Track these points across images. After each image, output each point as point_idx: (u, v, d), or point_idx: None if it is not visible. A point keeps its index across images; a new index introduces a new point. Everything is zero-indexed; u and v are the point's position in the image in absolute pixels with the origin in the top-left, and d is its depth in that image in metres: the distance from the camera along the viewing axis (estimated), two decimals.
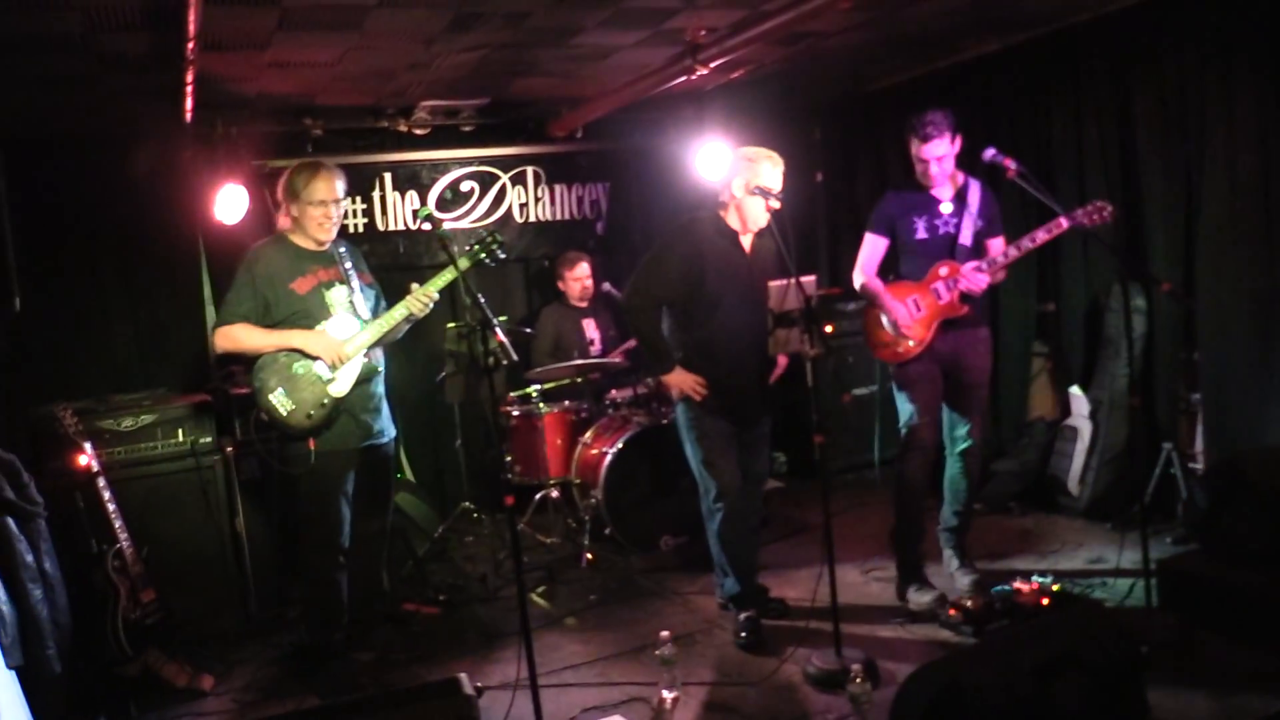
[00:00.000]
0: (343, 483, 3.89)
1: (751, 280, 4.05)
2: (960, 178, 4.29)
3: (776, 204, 3.94)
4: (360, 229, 5.90)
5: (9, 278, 1.55)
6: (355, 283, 3.96)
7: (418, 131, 5.96)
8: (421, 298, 3.88)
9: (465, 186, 6.14)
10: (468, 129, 6.10)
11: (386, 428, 4.05)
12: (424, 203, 6.02)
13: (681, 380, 4.07)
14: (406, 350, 6.08)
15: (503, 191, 6.24)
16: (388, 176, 5.93)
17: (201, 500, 4.54)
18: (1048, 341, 5.73)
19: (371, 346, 3.90)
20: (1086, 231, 4.02)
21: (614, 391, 5.71)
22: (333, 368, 3.80)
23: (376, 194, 5.92)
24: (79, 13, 3.44)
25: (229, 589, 4.59)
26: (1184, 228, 4.72)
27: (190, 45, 3.60)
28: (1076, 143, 5.21)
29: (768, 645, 3.97)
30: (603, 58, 4.86)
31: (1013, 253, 4.16)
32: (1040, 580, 4.05)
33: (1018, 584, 4.04)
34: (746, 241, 4.13)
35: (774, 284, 3.83)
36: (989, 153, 4.07)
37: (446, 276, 3.89)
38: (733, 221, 4.09)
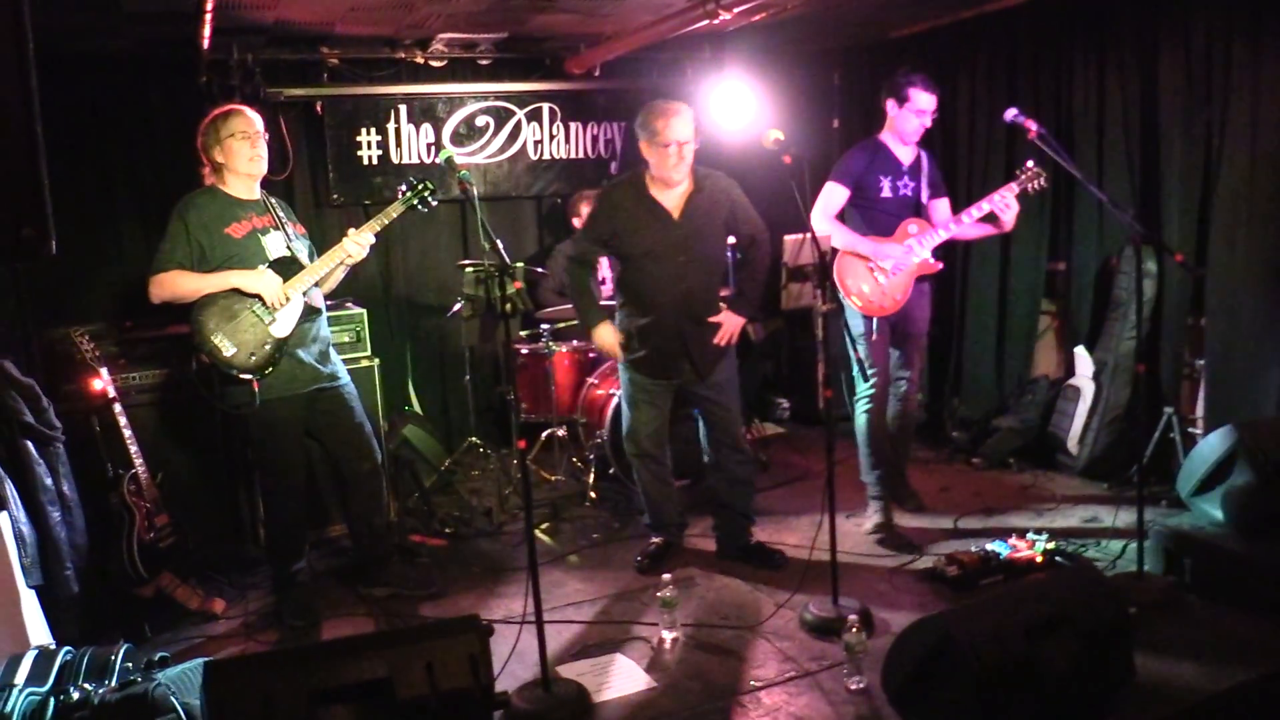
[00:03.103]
0: (292, 425, 3.92)
1: (675, 240, 4.06)
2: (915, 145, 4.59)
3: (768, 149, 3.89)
4: (374, 161, 5.87)
5: (46, 219, 1.57)
6: (290, 230, 3.95)
7: (434, 64, 5.91)
8: (358, 240, 3.89)
9: (480, 121, 6.10)
10: (484, 62, 6.05)
11: (338, 372, 4.05)
12: (439, 136, 5.99)
13: (602, 340, 4.27)
14: (416, 283, 6.14)
15: (518, 127, 6.20)
16: (403, 109, 5.89)
17: (215, 428, 4.60)
18: (1055, 300, 5.75)
19: (310, 289, 3.90)
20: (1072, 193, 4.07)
21: None
22: (272, 309, 3.78)
23: (391, 126, 5.88)
24: None
25: (241, 516, 4.68)
26: (1200, 193, 4.71)
27: None
28: (1098, 102, 5.16)
29: (659, 569, 4.20)
30: None
31: (975, 213, 4.43)
32: (1035, 538, 4.14)
33: (1012, 541, 4.13)
34: (672, 200, 4.09)
35: (789, 238, 3.84)
36: (1010, 113, 4.08)
37: (382, 221, 3.95)
38: (652, 182, 4.09)
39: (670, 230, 4.07)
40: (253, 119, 3.80)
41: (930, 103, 4.42)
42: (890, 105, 4.49)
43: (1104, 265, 5.29)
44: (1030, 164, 4.42)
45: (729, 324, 4.20)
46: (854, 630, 3.27)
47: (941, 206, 4.65)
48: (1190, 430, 4.88)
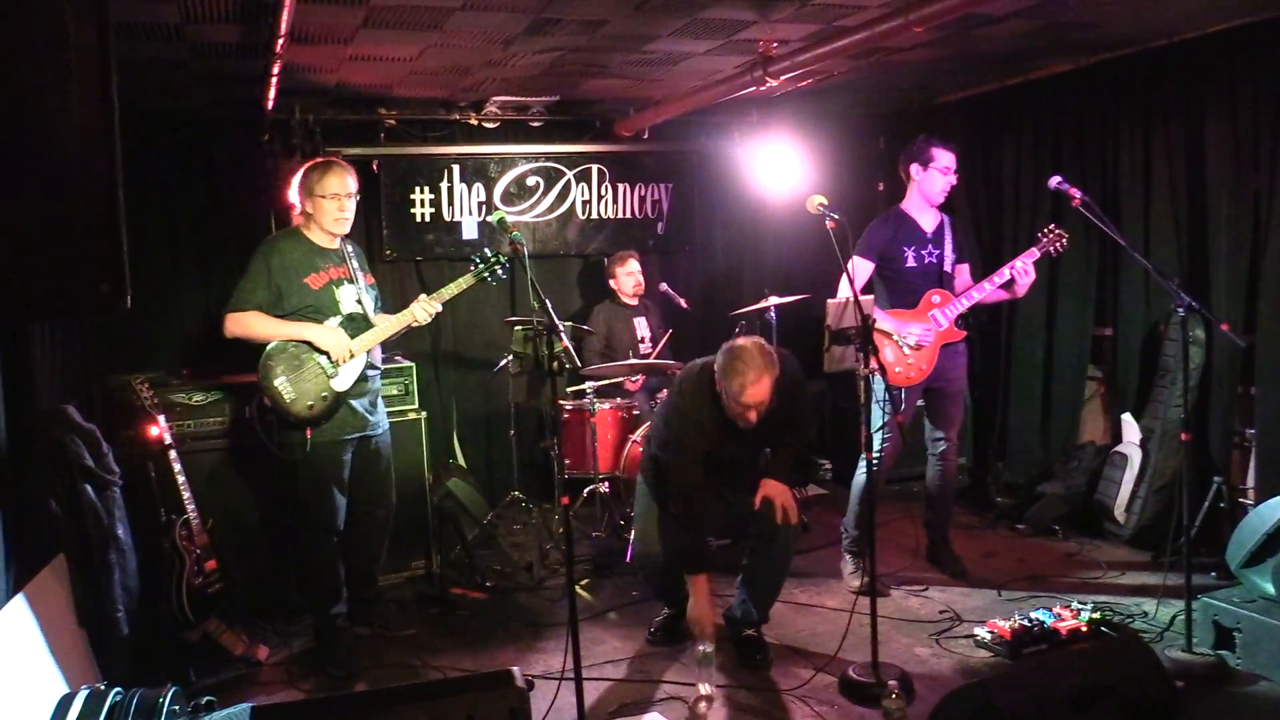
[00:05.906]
0: (338, 470, 4.06)
1: (729, 451, 3.94)
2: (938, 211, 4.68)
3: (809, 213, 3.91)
4: (427, 218, 6.03)
5: (123, 276, 1.66)
6: (361, 282, 4.14)
7: (487, 125, 6.08)
8: (427, 307, 4.10)
9: (530, 181, 6.25)
10: (536, 124, 6.21)
11: (381, 421, 4.24)
12: (490, 195, 6.15)
13: (701, 611, 3.81)
14: (464, 339, 6.24)
15: (567, 188, 6.34)
16: (456, 168, 6.05)
17: (260, 475, 4.68)
18: (1103, 366, 5.71)
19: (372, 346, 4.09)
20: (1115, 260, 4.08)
21: (665, 391, 5.79)
22: (337, 364, 3.96)
23: (444, 185, 6.04)
24: (176, 5, 3.58)
25: (287, 563, 4.74)
26: (1249, 261, 4.69)
27: (281, 41, 3.73)
28: (1144, 168, 5.18)
29: (674, 640, 4.21)
30: (674, 63, 4.93)
31: (997, 280, 4.54)
32: (1080, 607, 4.09)
33: (1057, 609, 4.08)
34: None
35: (832, 301, 3.88)
36: (1055, 180, 4.12)
37: (452, 291, 4.13)
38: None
39: (739, 443, 3.94)
40: (347, 181, 4.02)
41: (951, 160, 4.57)
42: (914, 170, 4.61)
43: (1151, 331, 5.26)
44: (1053, 226, 4.57)
45: (780, 498, 3.94)
46: (893, 696, 3.25)
47: (964, 272, 4.76)
48: (1241, 500, 4.80)
